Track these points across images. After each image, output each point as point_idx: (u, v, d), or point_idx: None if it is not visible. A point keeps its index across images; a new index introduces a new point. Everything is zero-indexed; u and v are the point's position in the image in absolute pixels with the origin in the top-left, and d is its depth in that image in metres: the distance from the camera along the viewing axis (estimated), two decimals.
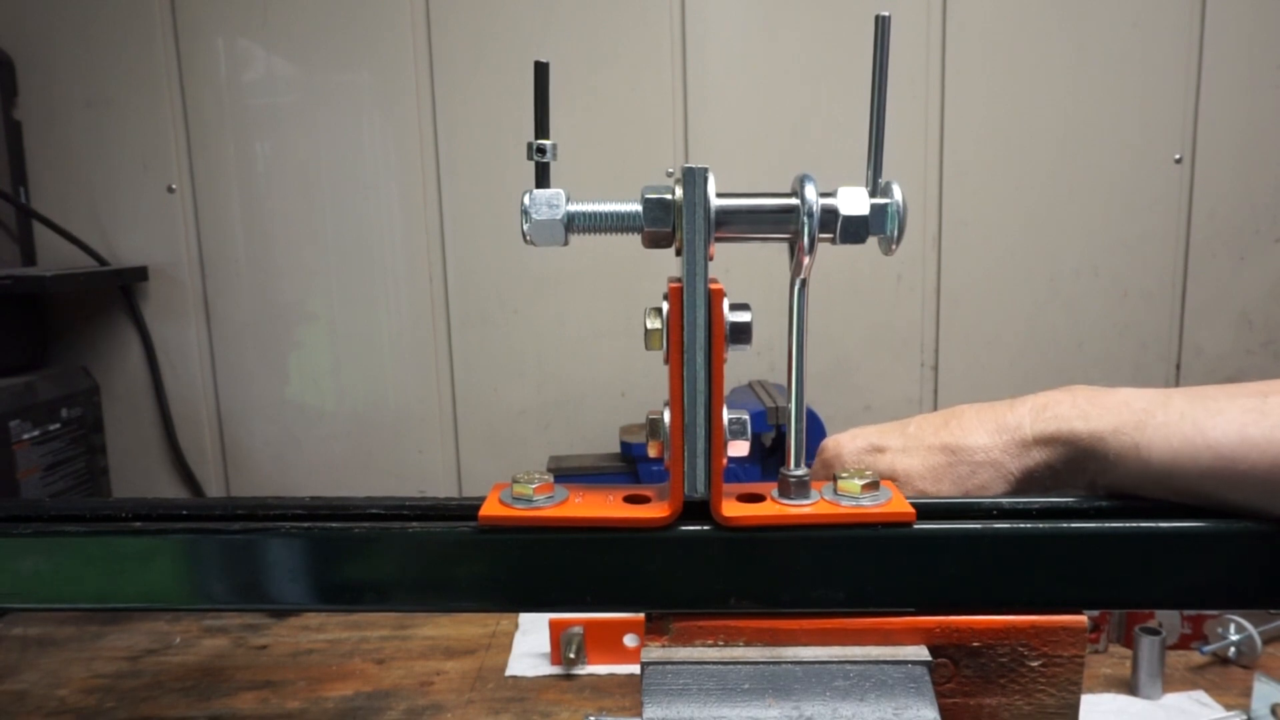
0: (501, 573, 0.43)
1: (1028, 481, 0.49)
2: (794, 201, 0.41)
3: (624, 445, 1.15)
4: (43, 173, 1.23)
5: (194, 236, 1.25)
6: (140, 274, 1.24)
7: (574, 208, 0.41)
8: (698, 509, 0.42)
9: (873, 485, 0.43)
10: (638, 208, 0.41)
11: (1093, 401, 0.47)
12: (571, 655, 0.89)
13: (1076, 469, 0.47)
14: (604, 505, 0.43)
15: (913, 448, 0.52)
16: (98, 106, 1.21)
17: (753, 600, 0.42)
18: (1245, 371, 1.28)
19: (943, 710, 0.40)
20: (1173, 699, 0.82)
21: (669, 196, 0.40)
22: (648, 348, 0.41)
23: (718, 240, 0.41)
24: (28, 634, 1.01)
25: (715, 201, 0.40)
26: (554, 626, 0.91)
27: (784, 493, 0.43)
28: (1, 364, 1.14)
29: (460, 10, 1.20)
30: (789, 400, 0.43)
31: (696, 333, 0.40)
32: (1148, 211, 1.25)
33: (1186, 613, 0.89)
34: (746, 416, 0.42)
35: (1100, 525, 0.42)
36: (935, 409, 1.28)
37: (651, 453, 0.43)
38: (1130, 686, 0.84)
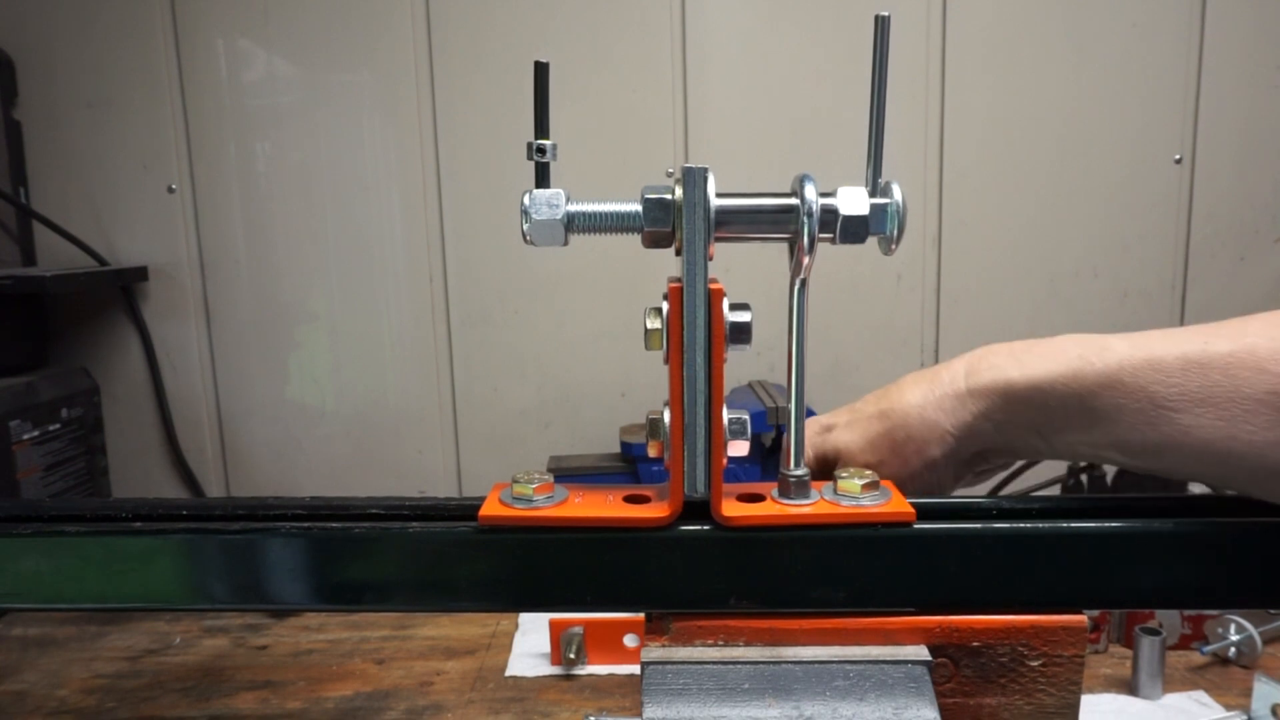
0: (501, 573, 0.43)
1: (971, 438, 0.47)
2: (794, 201, 0.41)
3: (624, 445, 1.15)
4: (43, 173, 1.23)
5: (194, 236, 1.25)
6: (140, 274, 1.24)
7: (574, 208, 0.41)
8: (698, 509, 0.42)
9: (873, 485, 0.43)
10: (638, 208, 0.41)
11: (1028, 350, 0.46)
12: (571, 655, 0.89)
13: (1024, 422, 0.45)
14: (604, 505, 0.43)
15: (855, 421, 0.51)
16: (98, 106, 1.21)
17: (753, 600, 0.42)
18: None
19: (943, 710, 0.40)
20: (1173, 699, 0.82)
21: (669, 196, 0.40)
22: (648, 348, 0.41)
23: (718, 240, 0.41)
24: (28, 634, 1.01)
25: (715, 201, 0.40)
26: (554, 626, 0.91)
27: (784, 493, 0.43)
28: (1, 364, 1.14)
29: (460, 10, 1.20)
30: (789, 400, 0.43)
31: (696, 333, 0.40)
32: (1148, 211, 1.25)
33: (1186, 613, 0.89)
34: (746, 416, 0.42)
35: (1100, 525, 0.42)
36: None
37: (651, 453, 0.43)
38: (1130, 686, 0.84)
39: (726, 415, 0.41)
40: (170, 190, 1.23)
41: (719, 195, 0.40)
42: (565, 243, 0.42)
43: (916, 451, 0.48)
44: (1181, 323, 1.28)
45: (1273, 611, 0.89)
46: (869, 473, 0.43)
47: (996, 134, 1.23)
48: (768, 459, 1.06)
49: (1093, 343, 0.44)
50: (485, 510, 0.42)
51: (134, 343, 1.27)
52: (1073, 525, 0.42)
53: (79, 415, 1.19)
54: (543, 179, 0.42)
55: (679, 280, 0.40)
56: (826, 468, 0.51)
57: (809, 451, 0.52)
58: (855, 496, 0.43)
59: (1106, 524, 0.42)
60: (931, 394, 0.48)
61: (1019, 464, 0.71)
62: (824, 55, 1.21)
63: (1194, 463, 0.41)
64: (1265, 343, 0.39)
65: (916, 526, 0.42)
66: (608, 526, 0.42)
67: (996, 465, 0.51)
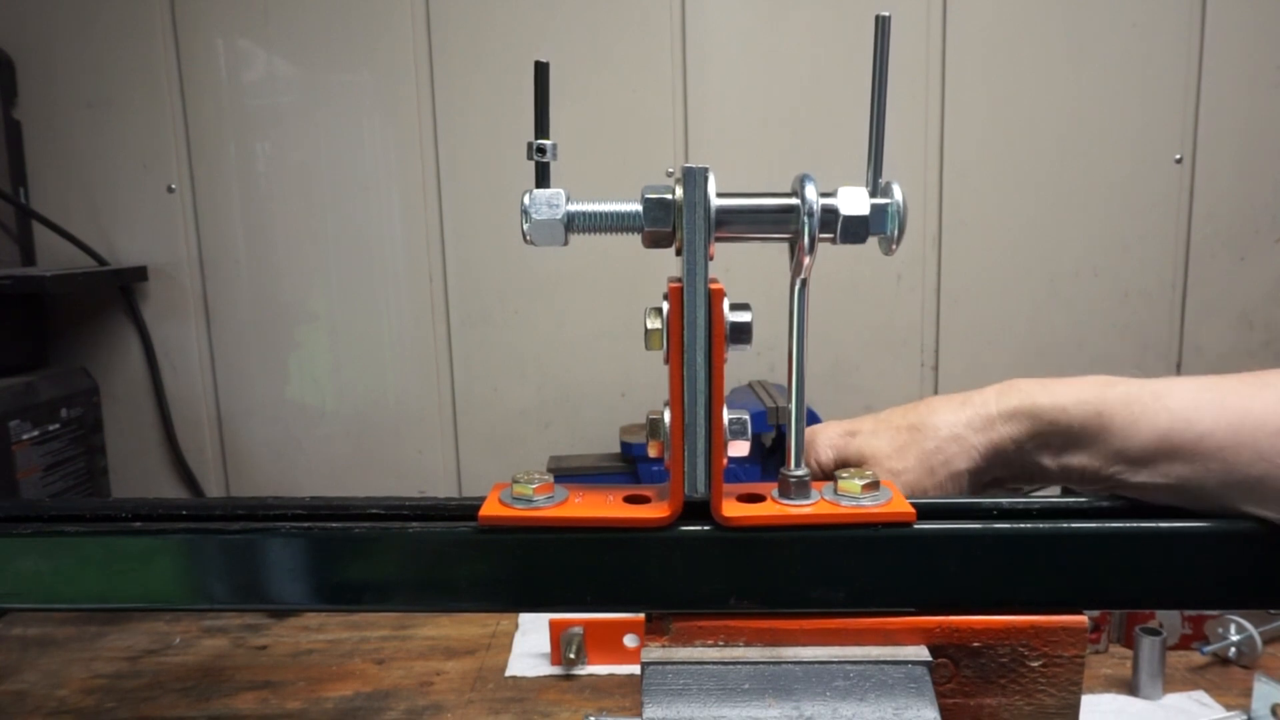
0: (501, 573, 0.43)
1: (995, 458, 0.49)
2: (794, 201, 0.41)
3: (624, 445, 1.15)
4: (43, 173, 1.23)
5: (194, 236, 1.25)
6: (140, 274, 1.24)
7: (574, 207, 0.41)
8: (698, 509, 0.42)
9: (873, 485, 0.43)
10: (638, 207, 0.41)
11: (1058, 381, 0.48)
12: (571, 655, 0.89)
13: (1043, 444, 0.48)
14: (604, 505, 0.43)
15: (882, 429, 0.53)
16: (98, 106, 1.21)
17: (753, 600, 0.42)
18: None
19: (943, 710, 0.40)
20: (1173, 699, 0.82)
21: (669, 196, 0.40)
22: (648, 348, 0.41)
23: (718, 240, 0.41)
24: (28, 634, 1.01)
25: (715, 201, 0.40)
26: (554, 626, 0.91)
27: (784, 493, 0.43)
28: (1, 364, 1.14)
29: (460, 10, 1.19)
30: (789, 400, 0.43)
31: (696, 333, 0.40)
32: (1148, 211, 1.25)
33: (1186, 613, 0.89)
34: (746, 416, 0.42)
35: (1100, 525, 0.42)
36: None
37: (651, 453, 0.43)
38: (1130, 686, 0.84)
39: (726, 415, 0.41)
40: (170, 190, 1.23)
41: (719, 195, 0.40)
42: (565, 243, 0.42)
43: (944, 463, 0.50)
44: (1182, 323, 1.28)
45: (1273, 611, 0.89)
46: (869, 472, 0.43)
47: (996, 134, 1.23)
48: (768, 459, 1.06)
49: (1120, 376, 0.47)
50: (485, 510, 0.42)
51: (134, 343, 1.27)
52: (1073, 525, 0.42)
53: (79, 415, 1.19)
54: (543, 179, 0.42)
55: (679, 280, 0.40)
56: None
57: (830, 453, 0.54)
58: (855, 497, 0.43)
59: (1106, 524, 0.42)
60: (963, 413, 0.50)
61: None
62: (824, 55, 1.21)
63: (1201, 474, 0.42)
64: (1271, 371, 0.43)
65: (916, 526, 0.42)
66: (608, 526, 0.42)
67: (1005, 493, 0.54)
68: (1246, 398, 0.42)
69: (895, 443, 0.51)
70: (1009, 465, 0.50)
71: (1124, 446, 0.44)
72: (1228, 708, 0.80)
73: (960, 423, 0.49)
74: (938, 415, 0.51)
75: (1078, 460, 0.47)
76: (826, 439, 0.54)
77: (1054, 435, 0.47)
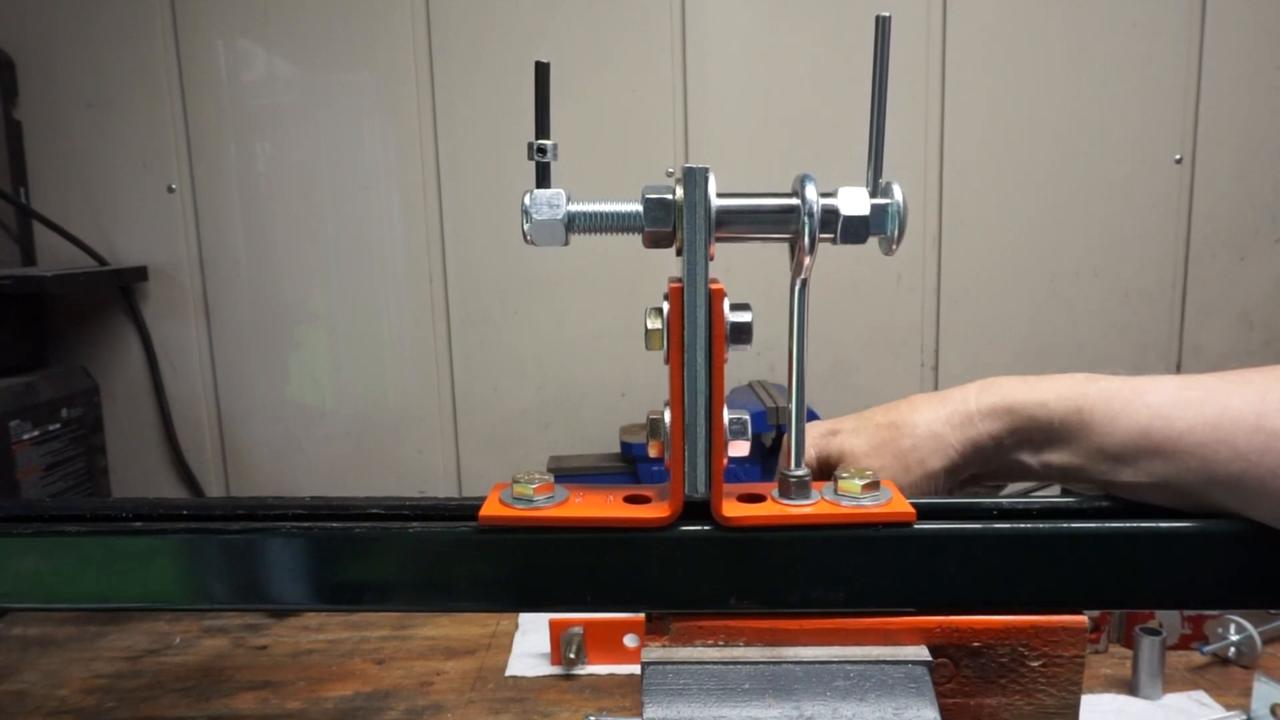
0: (501, 573, 0.43)
1: (973, 455, 0.49)
2: (794, 201, 0.41)
3: (624, 445, 1.15)
4: (43, 173, 1.23)
5: (194, 236, 1.25)
6: (140, 274, 1.24)
7: (574, 208, 0.41)
8: (698, 509, 0.42)
9: (873, 485, 0.43)
10: (638, 208, 0.41)
11: (1038, 378, 0.48)
12: (571, 655, 0.89)
13: (1023, 441, 0.48)
14: (604, 505, 0.43)
15: (862, 428, 0.53)
16: (98, 106, 1.21)
17: (753, 600, 0.42)
18: None
19: (943, 710, 0.40)
20: (1173, 699, 0.82)
21: (669, 196, 0.40)
22: (648, 348, 0.41)
23: (718, 240, 0.41)
24: (28, 634, 1.01)
25: (716, 201, 0.40)
26: (554, 626, 0.91)
27: (784, 493, 0.43)
28: (1, 364, 1.14)
29: (460, 10, 1.20)
30: (789, 400, 0.43)
31: (697, 333, 0.40)
32: (1148, 211, 1.25)
33: (1186, 613, 0.89)
34: (747, 416, 0.42)
35: (1100, 525, 0.42)
36: None
37: (652, 453, 0.43)
38: (1130, 686, 0.84)
39: (727, 415, 0.41)
40: (170, 190, 1.23)
41: (719, 195, 0.40)
42: (566, 243, 0.42)
43: (919, 461, 0.50)
44: (1181, 323, 1.28)
45: (1273, 611, 0.89)
46: (869, 472, 0.43)
47: (996, 134, 1.23)
48: (768, 459, 1.06)
49: (1100, 374, 0.47)
50: (485, 510, 0.42)
51: (134, 343, 1.27)
52: (1073, 525, 0.42)
53: (79, 415, 1.19)
54: (543, 179, 0.42)
55: (679, 280, 0.40)
56: (828, 470, 0.52)
57: (812, 452, 0.54)
58: (855, 496, 0.43)
59: (1106, 524, 0.42)
60: (942, 410, 0.50)
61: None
62: (824, 55, 1.21)
63: (1182, 473, 0.42)
64: (1251, 369, 0.43)
65: (916, 526, 0.42)
66: (608, 527, 0.42)
67: (984, 490, 0.54)
68: (1225, 395, 0.42)
69: (873, 441, 0.52)
70: (988, 462, 0.49)
71: (1104, 443, 0.44)
72: (1227, 708, 0.80)
73: (939, 420, 0.50)
74: (917, 413, 0.51)
75: (1058, 457, 0.46)
76: (809, 438, 0.54)
77: (1034, 431, 0.47)
